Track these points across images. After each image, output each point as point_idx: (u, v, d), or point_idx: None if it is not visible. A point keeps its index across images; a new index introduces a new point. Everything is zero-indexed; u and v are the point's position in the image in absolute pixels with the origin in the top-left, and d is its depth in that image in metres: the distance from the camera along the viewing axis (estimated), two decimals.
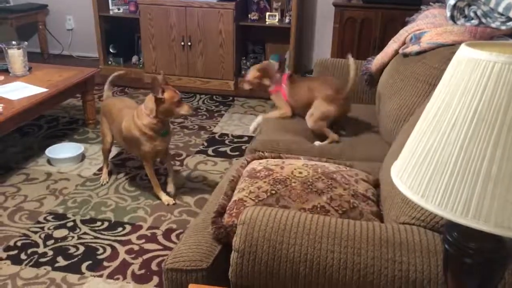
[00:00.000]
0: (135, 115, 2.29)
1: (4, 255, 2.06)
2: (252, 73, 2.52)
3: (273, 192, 1.42)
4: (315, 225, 1.18)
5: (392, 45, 2.32)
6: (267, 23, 4.18)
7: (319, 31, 4.49)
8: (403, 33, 2.24)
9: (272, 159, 1.67)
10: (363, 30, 3.86)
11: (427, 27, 2.08)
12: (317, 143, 2.18)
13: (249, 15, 4.26)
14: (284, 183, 1.45)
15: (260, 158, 1.72)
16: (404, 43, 2.22)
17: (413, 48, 2.03)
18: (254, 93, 4.12)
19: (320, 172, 1.51)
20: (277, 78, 2.47)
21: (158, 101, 2.20)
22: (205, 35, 4.09)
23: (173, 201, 2.47)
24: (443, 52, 1.82)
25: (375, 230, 1.17)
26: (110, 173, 2.73)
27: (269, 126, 2.37)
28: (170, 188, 2.51)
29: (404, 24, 2.41)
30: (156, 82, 2.19)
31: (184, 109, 2.25)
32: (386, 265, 1.11)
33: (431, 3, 2.38)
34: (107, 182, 2.65)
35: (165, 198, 2.48)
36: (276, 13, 4.17)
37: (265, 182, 1.47)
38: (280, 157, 1.72)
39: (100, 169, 2.78)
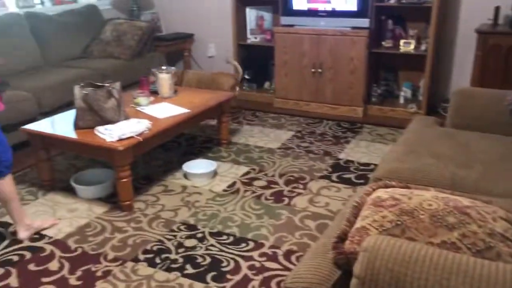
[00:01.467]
0: None
1: (142, 257, 2.28)
2: None
3: (399, 222, 1.37)
4: (443, 261, 1.11)
5: None
6: (401, 50, 4.08)
7: (457, 59, 4.24)
8: None
9: (399, 189, 1.61)
10: (509, 58, 3.56)
11: None
12: None
13: (383, 43, 4.20)
14: (411, 214, 1.40)
15: (386, 186, 1.68)
16: None
17: None
18: (383, 120, 4.04)
19: (451, 205, 1.42)
20: None
21: None
22: (336, 62, 4.14)
23: None
24: None
25: None
26: None
27: (394, 151, 2.31)
28: None
29: None
30: None
31: None
32: None
33: None
34: None
35: None
36: (412, 40, 4.05)
37: (390, 211, 1.42)
38: (407, 187, 1.65)
39: (230, 186, 2.94)
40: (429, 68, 3.96)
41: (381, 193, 1.58)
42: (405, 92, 4.33)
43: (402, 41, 4.08)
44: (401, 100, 4.30)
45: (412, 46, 4.05)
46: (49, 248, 2.37)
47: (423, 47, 4.01)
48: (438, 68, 4.27)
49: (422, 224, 1.36)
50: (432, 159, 2.24)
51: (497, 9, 3.71)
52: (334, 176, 3.07)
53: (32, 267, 2.23)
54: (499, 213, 1.46)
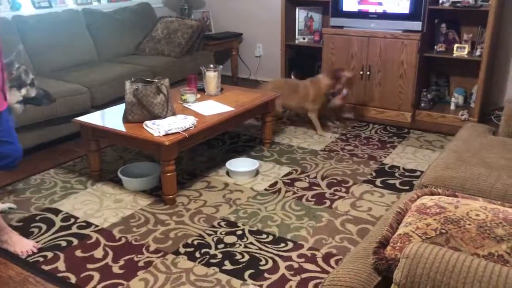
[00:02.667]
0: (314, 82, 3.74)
1: (182, 250, 2.33)
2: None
3: (443, 231, 1.33)
4: (489, 274, 1.07)
5: None
6: (454, 55, 3.95)
7: None
8: None
9: (446, 197, 1.56)
10: None
11: None
12: None
13: (435, 47, 4.08)
14: (457, 223, 1.35)
15: (432, 194, 1.63)
16: None
17: None
18: (432, 126, 3.92)
19: (501, 217, 1.36)
20: None
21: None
22: (385, 65, 4.06)
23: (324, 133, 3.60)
24: None
25: None
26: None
27: (443, 158, 2.24)
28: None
29: None
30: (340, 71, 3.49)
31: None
32: None
33: None
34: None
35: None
36: (466, 45, 3.91)
37: (435, 219, 1.38)
38: (454, 196, 1.60)
39: (271, 186, 2.95)
40: (483, 74, 3.81)
41: (426, 200, 1.54)
42: (456, 98, 4.18)
43: (455, 46, 3.95)
44: (452, 107, 4.16)
45: (466, 51, 3.91)
46: (95, 236, 2.47)
47: (477, 52, 3.87)
48: (492, 74, 4.11)
49: (468, 234, 1.31)
50: (483, 168, 2.16)
51: None
52: (378, 181, 3.02)
53: (78, 253, 2.32)
54: None
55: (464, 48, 3.91)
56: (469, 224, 1.34)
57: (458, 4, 3.83)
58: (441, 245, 1.29)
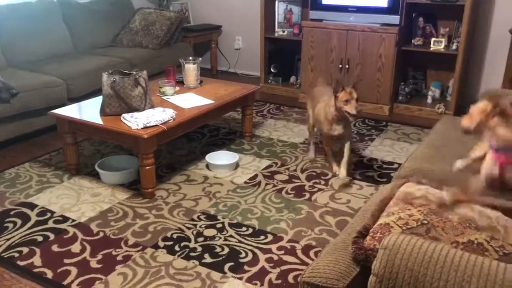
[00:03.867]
0: (328, 103, 2.81)
1: (161, 244, 2.31)
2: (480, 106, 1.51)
3: (425, 222, 1.35)
4: (465, 263, 1.09)
5: None
6: (431, 49, 4.00)
7: (489, 60, 4.14)
8: None
9: (432, 188, 1.58)
10: None
11: None
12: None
13: (412, 40, 4.13)
14: (440, 214, 1.37)
15: (419, 183, 1.65)
16: None
17: None
18: (409, 119, 3.97)
19: (486, 214, 1.39)
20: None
21: (335, 98, 2.70)
22: (364, 59, 4.08)
23: (343, 175, 2.83)
24: None
25: None
26: (316, 152, 3.29)
27: (421, 151, 2.27)
28: (342, 172, 2.83)
29: None
30: (339, 84, 2.67)
31: (348, 107, 2.64)
32: None
33: None
34: (314, 159, 3.24)
35: (335, 168, 2.95)
36: (443, 39, 3.97)
37: (419, 211, 1.40)
38: (441, 188, 1.62)
39: (251, 178, 2.95)
40: (459, 68, 3.88)
41: (414, 189, 1.55)
42: (433, 91, 4.24)
43: (432, 40, 4.00)
44: (429, 100, 4.22)
45: (442, 45, 3.96)
46: (72, 230, 2.43)
47: (454, 47, 3.93)
48: (468, 68, 4.18)
49: (450, 223, 1.34)
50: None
51: None
52: (356, 174, 3.04)
53: (55, 248, 2.28)
54: None
55: (441, 42, 3.97)
56: (452, 215, 1.36)
57: None
58: (421, 235, 1.31)
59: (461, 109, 4.06)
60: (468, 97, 4.19)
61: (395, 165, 3.13)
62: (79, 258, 2.21)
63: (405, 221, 1.37)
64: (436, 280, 1.08)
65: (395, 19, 3.92)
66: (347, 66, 4.17)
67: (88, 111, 2.95)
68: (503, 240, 1.28)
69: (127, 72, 2.88)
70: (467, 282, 1.06)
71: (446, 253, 1.12)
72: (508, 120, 1.45)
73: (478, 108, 1.53)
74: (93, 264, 2.17)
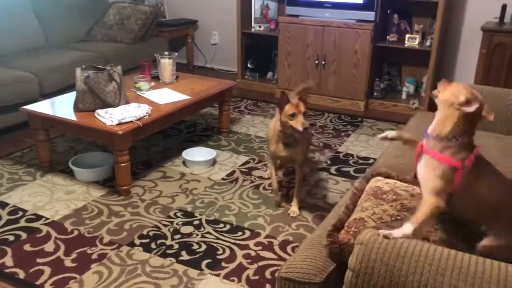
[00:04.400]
0: (276, 119, 2.43)
1: (138, 242, 2.28)
2: (456, 90, 1.36)
3: (399, 217, 1.37)
4: (438, 256, 1.11)
5: None
6: (406, 45, 4.06)
7: (462, 56, 4.22)
8: None
9: (400, 182, 1.61)
10: None
11: None
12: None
13: (387, 37, 4.17)
14: (412, 211, 1.39)
15: (387, 176, 1.67)
16: None
17: None
18: (385, 115, 4.02)
19: None
20: (462, 153, 1.34)
21: (280, 111, 2.31)
22: (340, 55, 4.11)
23: (280, 203, 2.58)
24: None
25: (508, 272, 1.06)
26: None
27: (395, 146, 2.30)
28: (294, 210, 2.53)
29: None
30: (284, 96, 2.29)
31: (293, 122, 2.24)
32: None
33: None
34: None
35: (276, 199, 2.60)
36: (417, 36, 4.03)
37: (391, 206, 1.42)
38: (407, 181, 1.65)
39: (229, 175, 2.94)
40: (433, 64, 3.94)
41: (382, 183, 1.58)
42: (407, 87, 4.31)
43: (407, 36, 4.06)
44: (404, 96, 4.28)
45: (417, 42, 4.02)
46: (45, 229, 2.37)
47: (427, 43, 3.99)
48: (442, 64, 4.25)
49: None
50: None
51: (503, 7, 3.68)
52: (333, 169, 3.07)
53: (27, 247, 2.23)
54: None
55: (415, 38, 4.03)
56: None
57: None
58: None
59: (434, 105, 4.13)
60: None
61: (371, 160, 3.17)
62: (53, 257, 2.16)
63: (380, 216, 1.39)
64: (411, 274, 1.09)
65: (370, 15, 3.96)
66: (323, 62, 4.19)
67: (61, 107, 2.88)
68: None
69: (101, 67, 2.82)
70: (441, 275, 1.08)
71: (420, 247, 1.14)
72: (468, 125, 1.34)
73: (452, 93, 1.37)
74: (67, 263, 2.13)
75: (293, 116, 2.25)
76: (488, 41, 3.60)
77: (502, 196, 1.33)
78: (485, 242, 1.29)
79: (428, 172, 1.33)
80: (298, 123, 2.24)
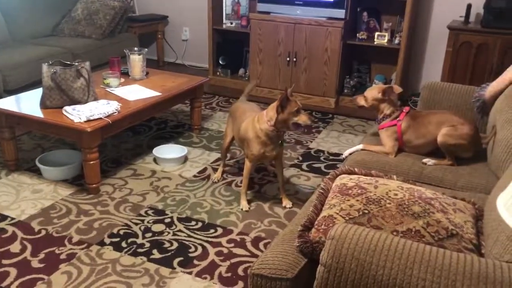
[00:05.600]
0: (255, 118, 2.40)
1: (108, 241, 2.25)
2: (372, 93, 2.37)
3: (366, 211, 1.39)
4: (407, 250, 1.13)
5: (510, 72, 2.16)
6: (375, 43, 4.12)
7: (429, 54, 4.32)
8: None
9: (364, 176, 1.64)
10: (479, 55, 3.64)
11: None
12: (429, 161, 2.17)
13: (357, 34, 4.23)
14: (378, 203, 1.42)
15: (350, 173, 1.70)
16: None
17: None
18: (355, 112, 4.08)
19: (416, 196, 1.45)
20: (395, 114, 2.33)
21: (279, 110, 2.28)
22: (310, 52, 4.14)
23: (248, 208, 2.54)
24: None
25: (474, 263, 1.09)
26: (223, 173, 2.89)
27: (365, 143, 2.36)
28: (285, 199, 2.59)
29: None
30: (285, 94, 2.27)
31: (302, 119, 2.27)
32: None
33: None
34: (218, 181, 2.82)
35: (244, 202, 2.56)
36: (386, 34, 4.09)
37: (357, 200, 1.45)
38: (370, 175, 1.68)
39: (200, 172, 2.92)
40: (401, 61, 4.02)
41: (346, 180, 1.60)
42: (376, 84, 4.37)
43: (376, 34, 4.12)
44: None
45: (386, 39, 4.09)
46: (11, 229, 2.31)
47: (396, 41, 4.06)
48: (410, 62, 4.34)
49: (389, 212, 1.38)
50: (402, 151, 2.29)
51: (469, 6, 3.78)
52: (304, 165, 3.09)
53: None
54: (458, 206, 1.50)
55: (384, 36, 4.09)
56: (389, 203, 1.41)
57: None
58: (364, 225, 1.35)
59: (403, 101, 4.22)
60: (409, 90, 4.35)
61: (341, 157, 3.20)
62: (19, 258, 2.11)
63: (347, 212, 1.41)
64: (381, 267, 1.12)
65: (340, 13, 4.00)
66: (294, 59, 4.21)
67: (27, 103, 2.80)
68: (443, 217, 1.34)
69: (68, 63, 2.76)
70: (409, 269, 1.10)
71: (390, 242, 1.16)
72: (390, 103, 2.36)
73: (371, 95, 2.39)
74: (35, 264, 2.07)
75: (298, 112, 2.26)
76: (454, 39, 3.69)
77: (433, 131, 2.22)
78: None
79: (383, 136, 2.32)
80: (306, 118, 2.27)
